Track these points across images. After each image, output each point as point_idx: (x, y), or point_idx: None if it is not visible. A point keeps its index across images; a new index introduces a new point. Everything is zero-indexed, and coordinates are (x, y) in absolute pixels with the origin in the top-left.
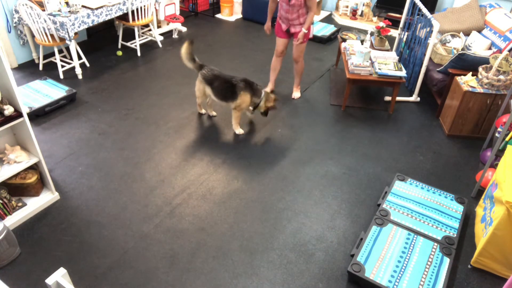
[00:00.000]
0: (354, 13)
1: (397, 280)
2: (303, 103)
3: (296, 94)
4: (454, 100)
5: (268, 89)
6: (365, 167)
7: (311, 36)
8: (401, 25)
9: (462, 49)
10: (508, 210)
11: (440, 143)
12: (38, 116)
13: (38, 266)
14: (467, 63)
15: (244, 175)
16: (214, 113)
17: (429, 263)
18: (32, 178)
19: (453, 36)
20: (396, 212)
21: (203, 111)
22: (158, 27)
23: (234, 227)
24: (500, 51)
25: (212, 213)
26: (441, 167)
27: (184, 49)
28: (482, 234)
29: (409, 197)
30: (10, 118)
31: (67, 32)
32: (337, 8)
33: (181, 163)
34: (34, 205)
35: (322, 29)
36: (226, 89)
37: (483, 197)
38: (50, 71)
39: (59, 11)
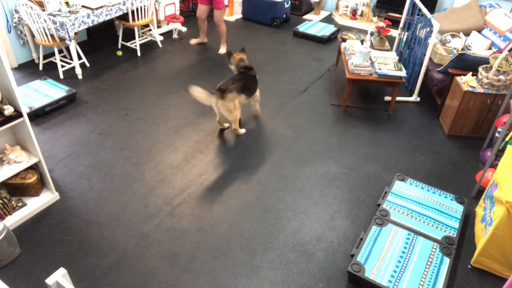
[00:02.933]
0: (354, 13)
1: (397, 280)
2: (303, 103)
3: (222, 50)
4: (454, 100)
5: (200, 39)
6: (365, 167)
7: (226, 3)
8: (401, 25)
9: (462, 49)
10: (508, 210)
11: (440, 143)
12: (38, 116)
13: (38, 266)
14: (467, 63)
15: (244, 175)
16: (226, 125)
17: (429, 263)
18: (32, 178)
19: (453, 36)
20: (396, 212)
21: (226, 124)
22: (158, 27)
23: (234, 227)
24: (500, 51)
25: (212, 213)
26: (441, 167)
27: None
28: (482, 234)
29: (409, 197)
30: (10, 118)
31: (67, 32)
32: (337, 8)
33: (181, 163)
34: (34, 205)
35: (322, 29)
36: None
37: (483, 197)
38: (50, 71)
39: (59, 11)
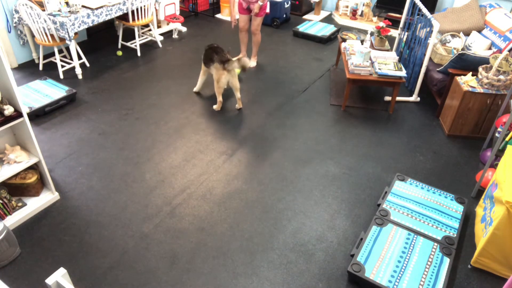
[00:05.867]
0: (354, 13)
1: (397, 280)
2: (303, 103)
3: (253, 63)
4: (454, 100)
5: (240, 56)
6: (365, 167)
7: (267, 11)
8: (401, 25)
9: (462, 49)
10: (508, 210)
11: (440, 143)
12: (38, 116)
13: (38, 266)
14: (467, 63)
15: (244, 175)
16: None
17: (429, 263)
18: (32, 178)
19: (453, 36)
20: (396, 212)
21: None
22: (158, 27)
23: (234, 227)
24: (500, 51)
25: (212, 213)
26: (441, 167)
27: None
28: (482, 234)
29: (409, 197)
30: (10, 118)
31: (67, 32)
32: (337, 8)
33: (181, 163)
34: (34, 205)
35: (322, 29)
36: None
37: (483, 197)
38: (50, 71)
39: (59, 11)
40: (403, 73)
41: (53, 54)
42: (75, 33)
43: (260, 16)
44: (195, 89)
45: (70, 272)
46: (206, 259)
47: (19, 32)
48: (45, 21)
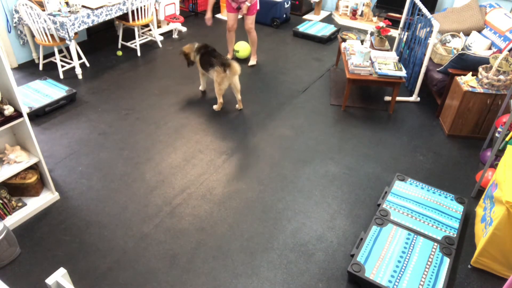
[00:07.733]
0: (354, 13)
1: (397, 280)
2: (303, 103)
3: (252, 62)
4: (454, 100)
5: (228, 56)
6: (365, 167)
7: (258, 8)
8: (401, 25)
9: (462, 49)
10: (508, 210)
11: (440, 143)
12: (38, 116)
13: (38, 266)
14: (467, 63)
15: (244, 175)
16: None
17: (429, 263)
18: (32, 178)
19: (453, 36)
20: (396, 212)
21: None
22: (158, 27)
23: (234, 227)
24: (500, 51)
25: (212, 213)
26: (441, 167)
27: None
28: (482, 234)
29: (409, 197)
30: (10, 118)
31: (67, 32)
32: (337, 8)
33: (181, 163)
34: (34, 205)
35: (322, 29)
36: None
37: (483, 197)
38: (50, 71)
39: (59, 11)
40: (403, 73)
41: (53, 54)
42: (75, 33)
43: (252, 15)
44: (200, 88)
45: (70, 272)
46: (206, 259)
47: (19, 32)
48: (45, 21)
